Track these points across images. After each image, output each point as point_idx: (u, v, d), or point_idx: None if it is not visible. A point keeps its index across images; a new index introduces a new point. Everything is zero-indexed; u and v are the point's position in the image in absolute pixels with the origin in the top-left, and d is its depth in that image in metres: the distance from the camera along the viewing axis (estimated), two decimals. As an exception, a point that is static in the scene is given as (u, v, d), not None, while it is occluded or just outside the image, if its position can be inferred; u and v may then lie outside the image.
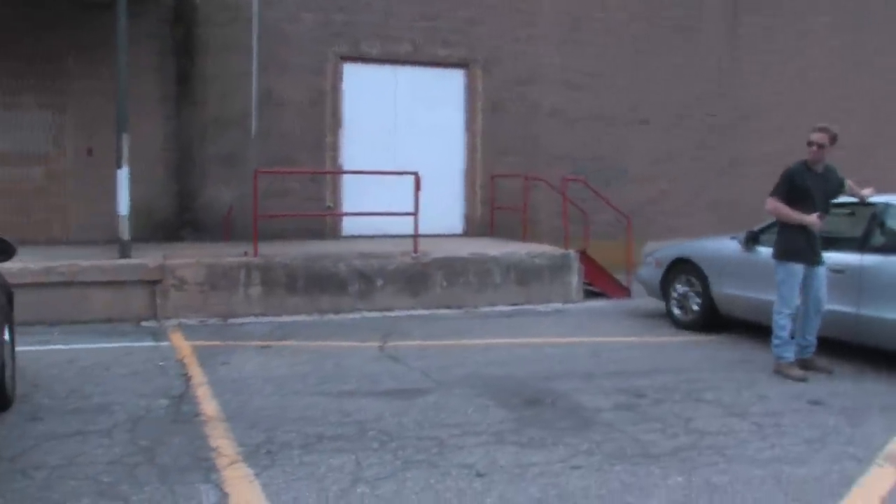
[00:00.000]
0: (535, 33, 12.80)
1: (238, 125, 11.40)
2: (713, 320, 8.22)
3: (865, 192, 6.89)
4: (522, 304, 10.09)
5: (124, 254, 8.87)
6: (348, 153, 12.19)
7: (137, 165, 10.65)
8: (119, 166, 8.84)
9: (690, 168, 13.66)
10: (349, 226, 12.14)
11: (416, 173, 9.90)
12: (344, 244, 10.96)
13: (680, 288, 8.59)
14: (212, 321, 8.70)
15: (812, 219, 6.37)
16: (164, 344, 7.46)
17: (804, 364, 6.62)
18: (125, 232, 8.89)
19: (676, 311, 8.64)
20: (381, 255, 9.81)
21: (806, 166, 6.45)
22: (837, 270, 6.80)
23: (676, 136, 13.63)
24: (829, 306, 6.63)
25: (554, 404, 5.55)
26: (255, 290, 9.13)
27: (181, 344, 7.48)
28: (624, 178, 13.26)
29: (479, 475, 4.17)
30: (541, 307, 9.99)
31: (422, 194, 11.94)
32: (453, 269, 9.99)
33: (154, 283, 8.76)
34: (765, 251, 7.20)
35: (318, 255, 9.57)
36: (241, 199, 10.97)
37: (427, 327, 8.52)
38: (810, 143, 6.37)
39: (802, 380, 6.32)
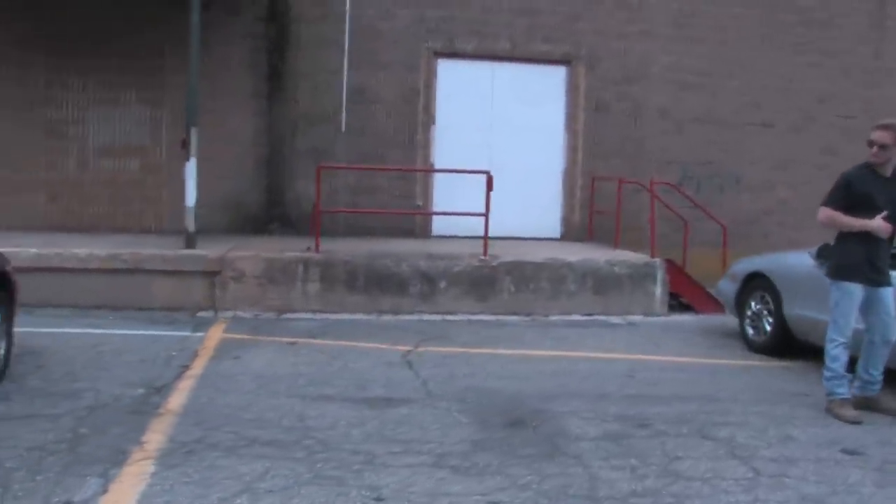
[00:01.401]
0: (642, 29, 11.97)
1: (328, 121, 11.43)
2: (788, 344, 7.26)
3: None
4: (598, 314, 9.43)
5: (189, 244, 9.07)
6: (441, 151, 11.91)
7: (228, 160, 11.05)
8: (187, 159, 9.06)
9: (815, 175, 12.24)
10: (439, 225, 11.87)
11: (487, 172, 9.48)
12: (422, 244, 10.69)
13: (754, 305, 7.67)
14: (266, 315, 8.71)
15: (877, 223, 5.37)
16: (198, 335, 7.51)
17: (866, 403, 5.65)
18: (191, 223, 9.09)
19: (750, 332, 7.72)
20: (447, 257, 9.47)
21: (869, 169, 5.49)
22: (916, 295, 5.77)
23: (800, 141, 12.31)
24: (903, 337, 5.63)
25: (535, 428, 5.01)
26: (314, 287, 9.07)
27: (215, 336, 7.50)
28: (737, 185, 12.18)
29: (377, 500, 3.77)
30: (616, 319, 9.28)
31: (518, 196, 11.66)
32: (523, 274, 9.48)
33: (214, 274, 8.90)
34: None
35: (380, 254, 9.37)
36: (329, 194, 10.96)
37: (476, 334, 8.10)
38: (871, 144, 5.40)
39: (855, 422, 5.38)
